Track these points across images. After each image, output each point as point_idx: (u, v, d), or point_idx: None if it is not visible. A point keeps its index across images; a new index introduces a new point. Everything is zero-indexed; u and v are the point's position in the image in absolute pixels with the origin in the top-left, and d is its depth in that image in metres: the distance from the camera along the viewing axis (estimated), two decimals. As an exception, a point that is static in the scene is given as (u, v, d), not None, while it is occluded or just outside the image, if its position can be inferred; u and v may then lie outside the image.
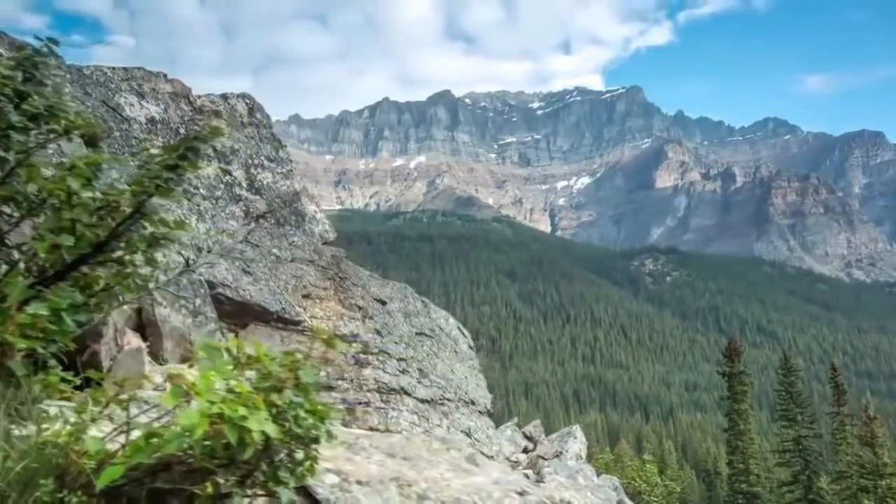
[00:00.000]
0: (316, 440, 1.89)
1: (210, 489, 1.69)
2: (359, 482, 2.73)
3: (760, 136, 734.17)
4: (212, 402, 1.57)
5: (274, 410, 1.72)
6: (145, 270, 2.38)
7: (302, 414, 1.79)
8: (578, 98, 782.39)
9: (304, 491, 2.68)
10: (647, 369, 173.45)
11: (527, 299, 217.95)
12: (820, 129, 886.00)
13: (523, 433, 13.35)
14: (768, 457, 46.54)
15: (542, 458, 11.61)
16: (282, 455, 1.84)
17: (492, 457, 8.12)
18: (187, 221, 7.72)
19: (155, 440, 1.63)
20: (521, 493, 3.05)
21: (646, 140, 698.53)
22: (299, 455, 1.90)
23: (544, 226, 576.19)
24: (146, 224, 2.09)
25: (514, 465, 10.96)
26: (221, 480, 1.71)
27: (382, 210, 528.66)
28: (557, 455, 13.31)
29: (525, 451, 12.82)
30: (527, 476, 9.60)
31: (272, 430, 1.63)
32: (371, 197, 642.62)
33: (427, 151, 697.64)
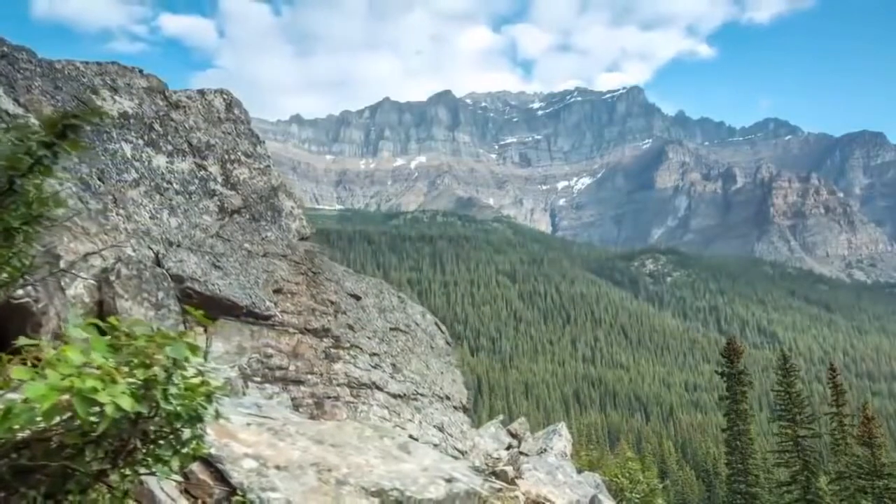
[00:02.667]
0: (199, 418, 1.87)
1: (80, 466, 1.66)
2: (277, 467, 2.70)
3: (761, 136, 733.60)
4: (65, 376, 1.54)
5: (141, 387, 1.69)
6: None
7: (174, 390, 1.76)
8: (579, 98, 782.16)
9: (221, 476, 2.66)
10: (648, 370, 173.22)
11: (527, 299, 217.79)
12: (821, 130, 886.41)
13: (508, 430, 13.36)
14: (768, 457, 46.46)
15: (524, 454, 11.60)
16: (160, 432, 1.81)
17: (465, 451, 8.09)
18: (159, 216, 7.70)
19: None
20: (449, 480, 3.02)
21: (646, 140, 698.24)
22: (185, 434, 1.87)
23: (545, 226, 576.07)
24: (27, 203, 2.06)
25: (496, 461, 10.94)
26: (90, 457, 1.69)
27: (383, 210, 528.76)
28: (542, 452, 13.31)
29: (509, 447, 12.82)
30: (497, 473, 9.56)
31: (127, 403, 1.60)
32: (372, 197, 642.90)
33: (428, 151, 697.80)
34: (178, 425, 1.83)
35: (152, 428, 1.78)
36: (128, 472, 1.79)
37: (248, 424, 3.05)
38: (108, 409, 1.55)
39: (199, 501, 2.51)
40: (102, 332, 1.87)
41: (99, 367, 1.61)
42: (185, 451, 1.88)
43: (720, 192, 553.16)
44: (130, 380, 1.65)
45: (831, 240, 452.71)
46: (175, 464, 1.85)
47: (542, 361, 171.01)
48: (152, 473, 1.84)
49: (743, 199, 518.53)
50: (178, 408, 1.76)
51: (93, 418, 1.58)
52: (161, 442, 1.83)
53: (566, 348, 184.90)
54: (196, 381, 1.98)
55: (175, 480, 2.58)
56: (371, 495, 2.73)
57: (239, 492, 2.57)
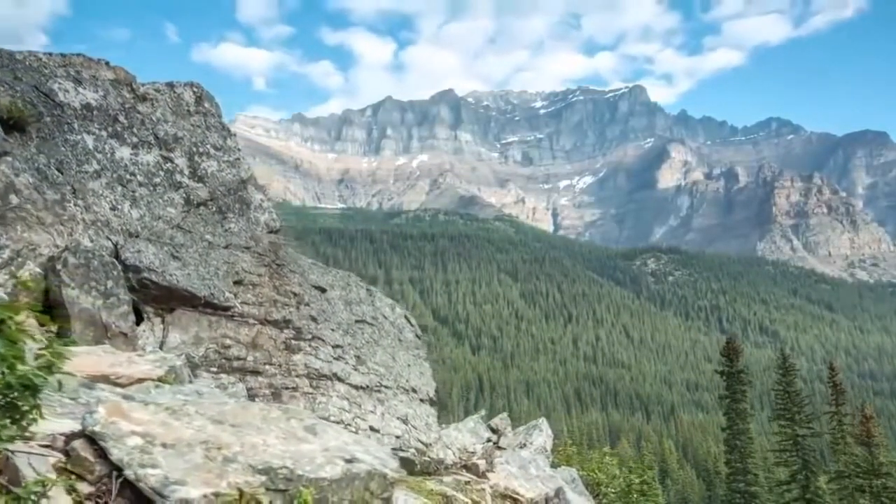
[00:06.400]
0: (36, 389, 1.83)
1: None
2: (164, 445, 2.67)
3: (763, 135, 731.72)
4: None
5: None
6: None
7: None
8: (581, 97, 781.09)
9: (103, 453, 2.63)
10: (649, 369, 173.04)
11: (529, 298, 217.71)
12: (823, 129, 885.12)
13: (488, 425, 13.29)
14: (768, 456, 46.34)
15: (501, 448, 11.57)
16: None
17: (429, 444, 8.06)
18: (120, 208, 7.69)
19: None
20: (350, 461, 2.99)
21: (648, 139, 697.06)
22: (25, 404, 1.84)
23: (547, 225, 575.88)
24: None
25: (470, 454, 10.90)
26: None
27: (385, 209, 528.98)
28: (522, 447, 13.25)
29: (488, 442, 12.76)
30: (468, 466, 9.52)
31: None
32: (374, 196, 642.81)
33: (430, 150, 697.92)
34: (12, 395, 1.80)
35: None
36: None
37: (147, 404, 3.02)
38: None
39: (75, 478, 2.47)
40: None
41: None
42: (23, 422, 1.85)
43: (722, 192, 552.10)
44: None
45: (834, 239, 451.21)
46: (11, 434, 1.82)
47: (544, 360, 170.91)
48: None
49: (745, 199, 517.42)
50: (7, 377, 1.73)
51: None
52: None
53: (567, 347, 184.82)
54: (45, 352, 1.95)
55: (53, 456, 2.55)
56: (258, 473, 2.70)
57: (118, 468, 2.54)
